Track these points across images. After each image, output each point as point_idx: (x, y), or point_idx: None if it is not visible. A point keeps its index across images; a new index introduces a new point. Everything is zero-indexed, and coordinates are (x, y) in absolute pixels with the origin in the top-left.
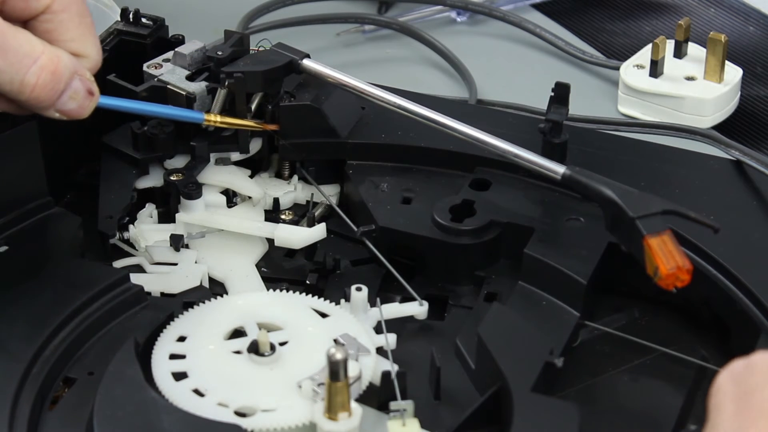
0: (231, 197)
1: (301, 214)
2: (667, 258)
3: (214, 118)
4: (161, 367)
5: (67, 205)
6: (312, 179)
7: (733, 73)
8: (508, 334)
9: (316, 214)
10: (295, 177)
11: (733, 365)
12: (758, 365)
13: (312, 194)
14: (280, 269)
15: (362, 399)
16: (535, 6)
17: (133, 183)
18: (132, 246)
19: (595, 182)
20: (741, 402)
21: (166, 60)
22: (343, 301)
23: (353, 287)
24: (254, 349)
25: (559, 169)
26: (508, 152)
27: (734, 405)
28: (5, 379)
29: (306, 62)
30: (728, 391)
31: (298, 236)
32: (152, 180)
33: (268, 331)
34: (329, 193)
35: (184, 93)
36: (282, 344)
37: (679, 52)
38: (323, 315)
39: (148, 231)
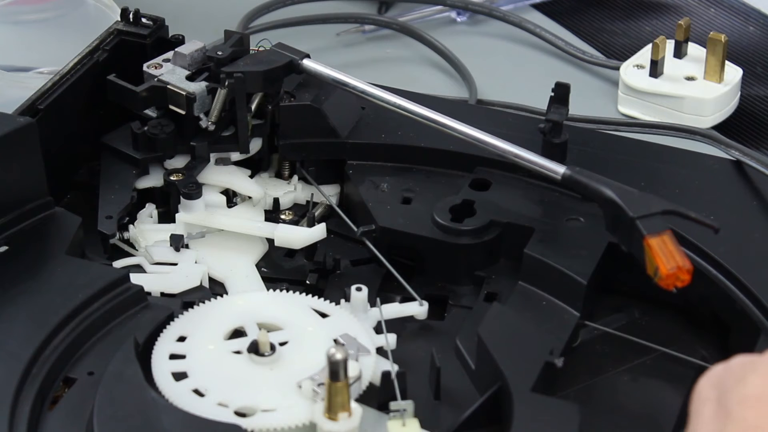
0: (231, 197)
1: (301, 214)
2: (667, 258)
3: None
4: (161, 367)
5: (67, 205)
6: (312, 179)
7: (733, 73)
8: (508, 334)
9: (316, 214)
10: (295, 177)
11: (712, 370)
12: (734, 368)
13: (312, 194)
14: (280, 269)
15: (362, 399)
16: (535, 6)
17: (133, 183)
18: (132, 246)
19: (595, 182)
20: (718, 404)
21: (166, 60)
22: (343, 301)
23: (353, 287)
24: (254, 349)
25: (559, 169)
26: (508, 152)
27: (712, 408)
28: (5, 379)
29: (306, 62)
30: (707, 396)
31: (298, 236)
32: (152, 180)
33: (268, 331)
34: (329, 193)
35: (184, 93)
36: (282, 344)
37: (679, 52)
38: (323, 315)
39: (148, 231)
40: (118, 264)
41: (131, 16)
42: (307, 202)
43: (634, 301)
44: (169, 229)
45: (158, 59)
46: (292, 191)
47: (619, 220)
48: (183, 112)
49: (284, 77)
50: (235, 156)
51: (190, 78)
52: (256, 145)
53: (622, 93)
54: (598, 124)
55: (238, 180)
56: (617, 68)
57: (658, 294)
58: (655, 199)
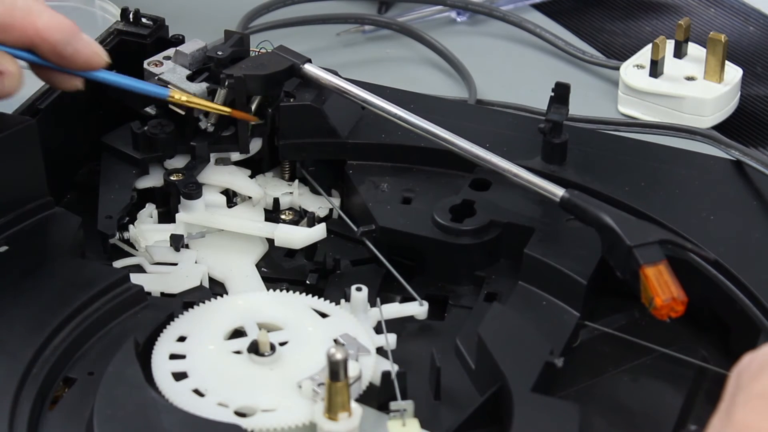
0: (231, 197)
1: (301, 214)
2: (662, 289)
3: (179, 96)
4: (161, 367)
5: (67, 205)
6: (312, 179)
7: (733, 73)
8: (508, 334)
9: (317, 214)
10: (296, 181)
11: (743, 358)
12: (756, 361)
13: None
14: (280, 269)
15: (362, 399)
16: (535, 6)
17: (133, 183)
18: (132, 246)
19: (593, 208)
20: (731, 400)
21: (167, 57)
22: (343, 301)
23: (353, 287)
24: (254, 349)
25: (558, 191)
26: (507, 171)
27: (726, 403)
28: (5, 379)
29: (307, 67)
30: (729, 386)
31: (298, 236)
32: (152, 180)
33: (268, 331)
34: (329, 194)
35: None
36: (282, 344)
37: (679, 52)
38: (323, 315)
39: (148, 231)
40: (118, 264)
41: (131, 16)
42: (303, 209)
43: (634, 301)
44: (169, 229)
45: (158, 56)
46: (291, 192)
47: (616, 246)
48: (182, 113)
49: (285, 81)
50: (235, 156)
51: (191, 78)
52: (256, 145)
53: (622, 93)
54: (598, 124)
55: (238, 180)
56: (617, 68)
57: None
58: (653, 228)
